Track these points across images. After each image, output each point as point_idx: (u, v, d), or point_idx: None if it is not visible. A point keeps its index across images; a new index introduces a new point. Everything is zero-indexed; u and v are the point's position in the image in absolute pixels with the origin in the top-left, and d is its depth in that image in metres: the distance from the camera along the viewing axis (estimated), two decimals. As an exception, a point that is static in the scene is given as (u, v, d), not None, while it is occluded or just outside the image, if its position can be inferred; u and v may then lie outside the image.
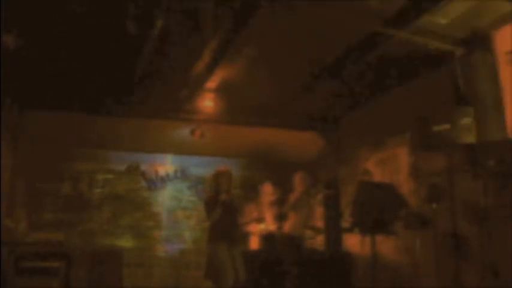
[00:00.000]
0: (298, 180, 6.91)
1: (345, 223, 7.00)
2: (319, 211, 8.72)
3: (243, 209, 6.98)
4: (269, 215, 7.21)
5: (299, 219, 6.66)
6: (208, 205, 5.87)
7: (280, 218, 6.87)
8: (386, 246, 6.30)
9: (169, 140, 8.50)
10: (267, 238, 7.31)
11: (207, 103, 7.23)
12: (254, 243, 8.16)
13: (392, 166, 6.72)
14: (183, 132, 7.94)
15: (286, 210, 6.78)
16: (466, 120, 4.99)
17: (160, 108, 7.36)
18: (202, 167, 9.33)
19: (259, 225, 7.70)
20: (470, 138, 4.94)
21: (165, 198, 9.24)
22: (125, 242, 8.75)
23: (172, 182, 9.35)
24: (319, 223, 8.70)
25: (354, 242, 7.18)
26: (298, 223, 6.66)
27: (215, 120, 7.65)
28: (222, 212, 5.75)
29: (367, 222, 5.21)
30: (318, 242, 8.61)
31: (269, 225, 7.28)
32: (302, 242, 6.82)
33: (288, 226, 6.73)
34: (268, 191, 7.65)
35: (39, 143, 7.89)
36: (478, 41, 5.18)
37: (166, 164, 9.38)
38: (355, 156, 7.61)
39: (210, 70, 6.05)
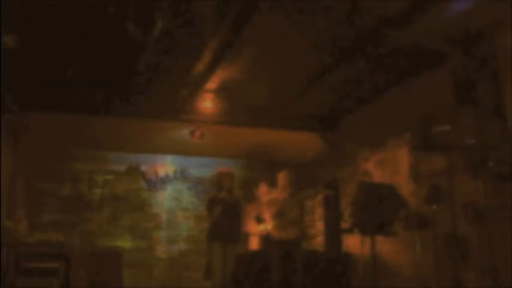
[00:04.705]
0: (285, 180, 6.51)
1: (345, 224, 6.99)
2: (318, 212, 8.73)
3: (244, 210, 6.94)
4: (268, 215, 7.18)
5: (290, 221, 6.45)
6: (210, 203, 5.93)
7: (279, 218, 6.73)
8: (386, 246, 6.30)
9: (169, 140, 8.50)
10: (266, 239, 7.30)
11: (207, 104, 7.22)
12: (254, 244, 8.17)
13: (392, 167, 6.72)
14: (183, 133, 7.94)
15: (277, 213, 6.50)
16: (466, 121, 4.98)
17: (160, 109, 7.36)
18: (202, 168, 9.35)
19: (259, 226, 7.69)
20: (470, 139, 4.93)
21: (165, 199, 9.24)
22: (125, 243, 8.75)
23: (172, 182, 9.35)
24: (319, 224, 8.71)
25: (353, 243, 7.18)
26: (289, 225, 6.45)
27: (215, 121, 7.65)
28: (223, 210, 5.77)
29: (367, 223, 5.21)
30: (318, 242, 8.62)
31: (268, 225, 7.26)
32: (296, 246, 6.40)
33: (276, 229, 6.52)
34: (263, 191, 7.64)
35: (39, 143, 7.90)
36: (478, 41, 5.18)
37: (166, 165, 9.38)
38: (354, 157, 7.61)
39: (210, 71, 6.05)
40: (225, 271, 5.75)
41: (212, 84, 6.53)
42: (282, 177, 6.55)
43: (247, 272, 6.88)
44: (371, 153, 7.22)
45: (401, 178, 6.44)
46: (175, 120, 7.66)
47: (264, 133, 8.21)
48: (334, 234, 8.10)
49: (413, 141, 6.08)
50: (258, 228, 7.80)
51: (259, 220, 7.55)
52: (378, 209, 5.19)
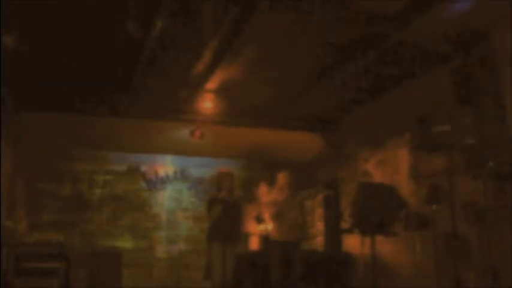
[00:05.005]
0: (284, 181, 6.47)
1: (345, 224, 6.98)
2: (318, 212, 8.72)
3: (244, 210, 6.93)
4: (268, 215, 7.19)
5: (289, 222, 6.43)
6: (210, 203, 5.92)
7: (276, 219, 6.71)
8: (386, 247, 6.29)
9: (169, 141, 8.50)
10: (266, 239, 7.30)
11: (207, 104, 7.22)
12: (254, 244, 8.17)
13: (392, 167, 6.72)
14: (183, 133, 7.94)
15: (276, 214, 6.46)
16: (466, 121, 4.99)
17: (160, 109, 7.36)
18: (202, 168, 9.34)
19: (259, 226, 7.69)
20: (470, 139, 4.94)
21: (165, 199, 9.24)
22: (125, 243, 8.75)
23: (172, 183, 9.34)
24: (319, 224, 8.71)
25: (353, 243, 7.18)
26: (288, 226, 6.42)
27: (215, 121, 7.65)
28: (222, 210, 5.77)
29: (367, 223, 5.21)
30: (318, 242, 8.62)
31: (268, 225, 7.27)
32: (295, 247, 6.35)
33: (276, 230, 6.50)
34: (264, 191, 7.65)
35: (39, 143, 7.90)
36: (478, 42, 5.18)
37: (166, 165, 9.38)
38: (355, 157, 7.61)
39: (210, 71, 6.05)
40: (225, 271, 5.75)
41: (212, 84, 6.52)
42: (280, 178, 6.53)
43: (247, 272, 6.88)
44: (371, 153, 7.22)
45: (401, 178, 6.44)
46: (175, 120, 7.65)
47: (264, 133, 8.21)
48: (334, 234, 8.10)
49: (413, 141, 6.08)
50: (258, 228, 7.80)
51: (259, 220, 7.56)
52: (378, 209, 5.18)
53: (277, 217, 6.35)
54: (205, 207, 6.13)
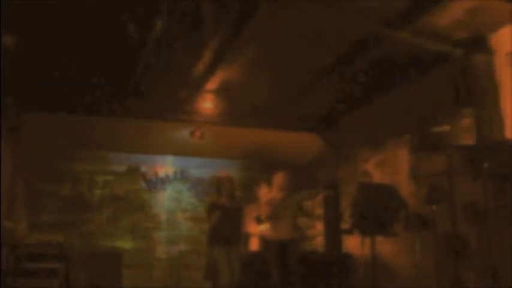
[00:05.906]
0: (280, 181, 6.41)
1: (345, 224, 6.98)
2: (318, 212, 8.72)
3: (245, 212, 6.92)
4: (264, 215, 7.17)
5: (285, 222, 6.40)
6: (210, 209, 5.91)
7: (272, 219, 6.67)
8: (386, 247, 6.29)
9: (169, 141, 8.50)
10: (263, 239, 7.28)
11: (207, 104, 7.23)
12: (254, 245, 8.15)
13: (392, 167, 6.71)
14: (183, 133, 7.94)
15: (271, 214, 6.43)
16: (466, 122, 4.98)
17: (160, 109, 7.36)
18: (202, 169, 9.34)
19: (259, 226, 7.68)
20: (470, 140, 4.93)
21: (164, 199, 9.24)
22: (125, 243, 8.74)
23: (172, 183, 9.34)
24: (319, 224, 8.70)
25: (353, 244, 7.17)
26: (284, 226, 6.40)
27: (215, 121, 7.65)
28: (222, 215, 5.76)
29: (367, 224, 5.21)
30: (318, 243, 8.61)
31: (268, 225, 7.26)
32: (292, 246, 6.27)
33: (274, 230, 6.47)
34: (264, 192, 7.64)
35: (39, 143, 7.89)
36: (478, 42, 5.18)
37: (166, 166, 9.37)
38: (354, 158, 7.61)
39: (210, 71, 6.05)
40: (233, 273, 5.74)
41: (212, 84, 6.53)
42: (277, 178, 6.50)
43: (252, 272, 6.88)
44: (371, 153, 7.22)
45: (401, 178, 6.44)
46: (175, 120, 7.65)
47: (264, 133, 8.21)
48: (334, 234, 8.09)
49: (413, 142, 6.08)
50: (258, 229, 7.78)
51: (260, 220, 7.54)
52: (378, 210, 5.18)
53: (273, 217, 6.32)
54: (205, 211, 6.13)
